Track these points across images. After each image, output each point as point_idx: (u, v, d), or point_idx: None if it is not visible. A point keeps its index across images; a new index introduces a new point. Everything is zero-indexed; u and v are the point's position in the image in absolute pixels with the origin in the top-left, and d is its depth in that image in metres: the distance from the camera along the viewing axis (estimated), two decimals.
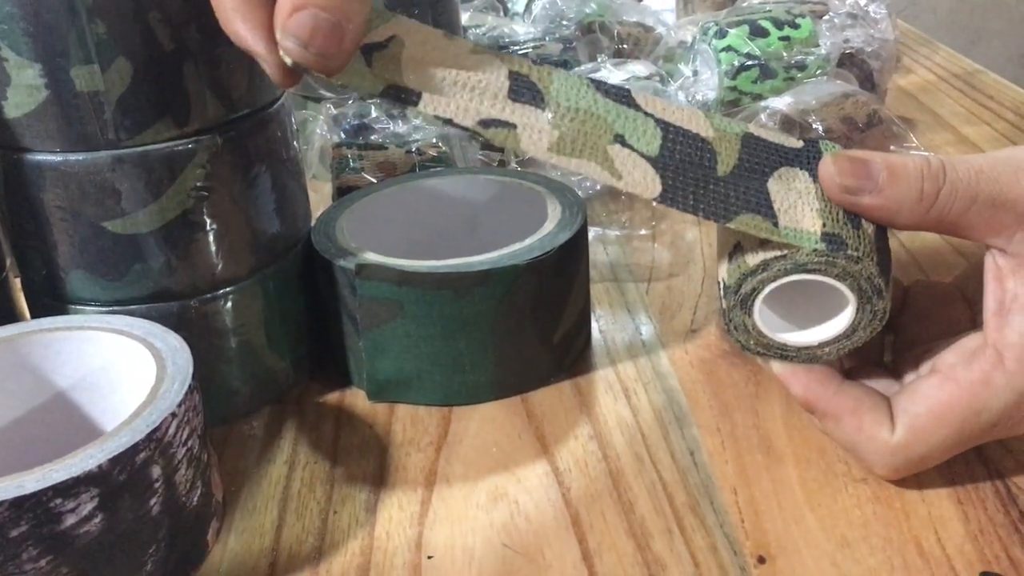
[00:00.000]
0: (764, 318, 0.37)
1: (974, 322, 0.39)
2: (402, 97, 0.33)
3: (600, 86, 0.34)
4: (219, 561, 0.37)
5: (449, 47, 0.33)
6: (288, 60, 0.31)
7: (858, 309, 0.36)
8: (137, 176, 0.39)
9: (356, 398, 0.46)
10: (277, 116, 0.44)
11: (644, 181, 0.31)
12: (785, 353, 0.37)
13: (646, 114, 0.33)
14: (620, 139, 0.32)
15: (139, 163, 0.39)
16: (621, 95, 0.34)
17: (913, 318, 0.41)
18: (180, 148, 0.40)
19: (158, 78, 0.38)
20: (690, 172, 0.32)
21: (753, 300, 0.36)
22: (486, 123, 0.32)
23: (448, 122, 0.32)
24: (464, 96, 0.32)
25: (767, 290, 0.36)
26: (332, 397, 0.47)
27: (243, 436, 0.44)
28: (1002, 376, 0.35)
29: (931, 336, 0.40)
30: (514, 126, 0.32)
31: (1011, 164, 0.35)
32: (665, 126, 0.33)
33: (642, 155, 0.32)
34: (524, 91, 0.32)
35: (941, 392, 0.36)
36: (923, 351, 0.38)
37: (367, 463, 0.42)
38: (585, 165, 0.32)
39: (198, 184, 0.40)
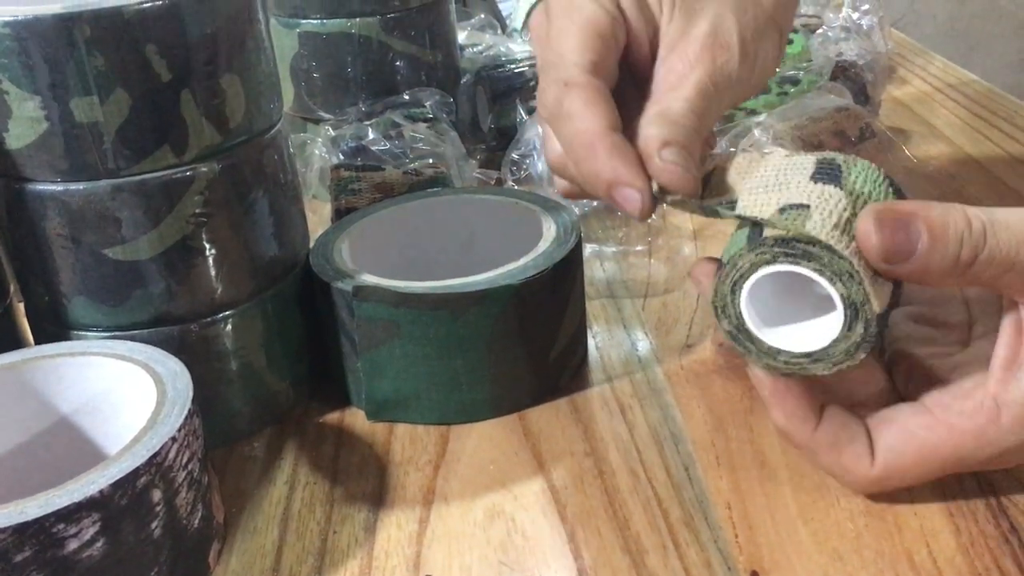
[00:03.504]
0: (754, 317, 0.36)
1: (971, 330, 0.39)
2: (726, 207, 0.37)
3: (892, 181, 0.37)
4: None
5: (764, 158, 0.38)
6: (656, 187, 0.36)
7: (844, 322, 0.35)
8: (136, 204, 0.40)
9: (355, 418, 0.47)
10: (274, 142, 0.44)
11: None
12: (761, 351, 0.37)
13: None
14: None
15: (138, 191, 0.40)
16: (899, 187, 0.37)
17: (906, 316, 0.40)
18: (178, 176, 0.40)
19: (156, 108, 0.39)
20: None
21: (744, 280, 0.36)
22: (783, 209, 0.35)
23: (753, 219, 0.36)
24: (771, 192, 0.36)
25: (759, 273, 0.35)
26: (331, 417, 0.47)
27: (244, 457, 0.45)
28: (996, 431, 0.34)
29: (922, 340, 0.39)
30: (807, 207, 0.35)
31: None
32: None
33: None
34: (826, 172, 0.36)
35: (930, 434, 0.35)
36: (920, 373, 0.38)
37: (366, 482, 0.42)
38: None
39: (197, 211, 0.41)
